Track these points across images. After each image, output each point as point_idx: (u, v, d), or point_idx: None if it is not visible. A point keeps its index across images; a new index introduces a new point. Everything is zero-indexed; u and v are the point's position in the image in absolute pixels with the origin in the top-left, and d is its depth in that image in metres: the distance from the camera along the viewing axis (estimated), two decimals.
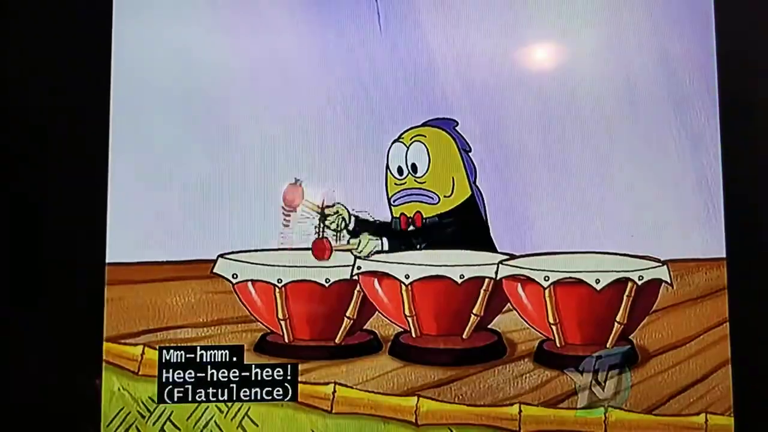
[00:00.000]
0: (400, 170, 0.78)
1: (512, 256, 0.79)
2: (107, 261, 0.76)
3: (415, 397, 0.77)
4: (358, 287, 0.78)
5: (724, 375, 0.78)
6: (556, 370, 0.78)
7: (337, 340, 0.78)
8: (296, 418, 0.76)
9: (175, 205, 0.77)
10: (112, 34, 0.78)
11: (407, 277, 0.78)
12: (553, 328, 0.78)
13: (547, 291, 0.78)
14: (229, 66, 0.78)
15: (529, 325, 0.79)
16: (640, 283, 0.79)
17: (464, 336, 0.79)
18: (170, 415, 0.76)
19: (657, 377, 0.78)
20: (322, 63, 0.78)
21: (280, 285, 0.77)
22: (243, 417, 0.76)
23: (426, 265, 0.78)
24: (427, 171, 0.79)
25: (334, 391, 0.76)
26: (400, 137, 0.79)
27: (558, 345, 0.79)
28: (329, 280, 0.77)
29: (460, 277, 0.78)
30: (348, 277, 0.78)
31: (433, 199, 0.79)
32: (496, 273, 0.78)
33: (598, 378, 0.78)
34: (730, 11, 0.81)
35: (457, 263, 0.78)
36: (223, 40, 0.78)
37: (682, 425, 0.78)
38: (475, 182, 0.78)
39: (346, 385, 0.77)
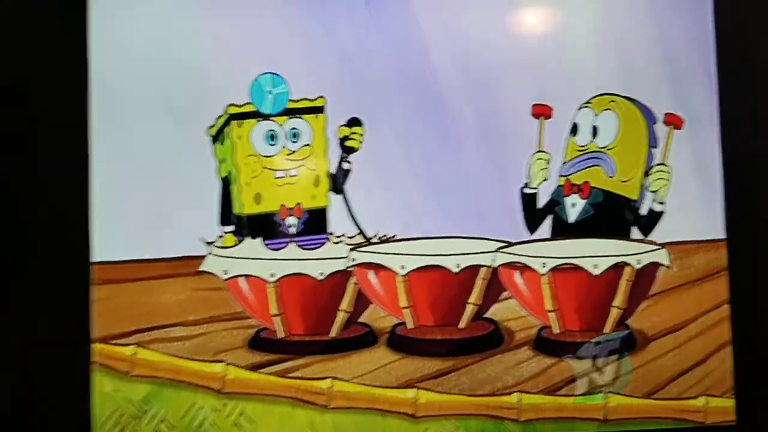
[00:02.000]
0: (576, 129, 0.76)
1: (509, 244, 0.77)
2: (93, 260, 0.74)
3: (414, 389, 0.76)
4: (352, 280, 0.76)
5: (724, 357, 0.78)
6: (555, 357, 0.77)
7: (332, 334, 0.76)
8: (293, 414, 0.75)
9: (161, 201, 0.74)
10: (88, 28, 0.74)
11: (403, 267, 0.76)
12: (551, 315, 0.77)
13: (544, 278, 0.77)
14: (214, 56, 0.75)
15: (527, 312, 0.78)
16: (638, 266, 0.77)
17: (461, 326, 0.77)
18: (165, 415, 0.74)
19: (656, 361, 0.78)
20: (308, 47, 0.76)
21: (272, 280, 0.75)
22: (239, 415, 0.75)
23: (422, 255, 0.76)
24: (613, 141, 0.77)
25: (331, 386, 0.75)
26: (588, 102, 0.77)
27: (556, 332, 0.78)
28: (323, 274, 0.76)
29: (457, 266, 0.76)
30: (342, 269, 0.76)
31: (610, 169, 0.77)
32: (493, 261, 0.77)
33: (597, 364, 0.77)
34: None
35: (453, 252, 0.76)
36: (205, 30, 0.75)
37: (681, 409, 0.78)
38: (646, 178, 0.77)
39: (343, 380, 0.75)
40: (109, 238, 0.74)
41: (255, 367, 0.75)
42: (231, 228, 0.75)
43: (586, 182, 0.77)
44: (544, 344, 0.77)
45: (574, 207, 0.78)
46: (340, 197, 0.76)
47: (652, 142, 0.78)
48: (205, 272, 0.74)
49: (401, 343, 0.76)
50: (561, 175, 0.78)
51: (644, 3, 0.78)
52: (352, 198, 0.76)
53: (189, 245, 0.74)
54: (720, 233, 0.78)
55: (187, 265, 0.74)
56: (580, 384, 0.77)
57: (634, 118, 0.78)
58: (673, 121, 0.78)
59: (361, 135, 0.75)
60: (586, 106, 0.77)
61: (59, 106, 0.75)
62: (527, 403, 0.77)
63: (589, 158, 0.77)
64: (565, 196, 0.78)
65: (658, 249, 0.78)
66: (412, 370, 0.76)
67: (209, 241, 0.75)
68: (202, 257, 0.74)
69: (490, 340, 0.77)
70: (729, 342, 0.78)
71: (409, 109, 0.76)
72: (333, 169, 0.76)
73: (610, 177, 0.78)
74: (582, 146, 0.78)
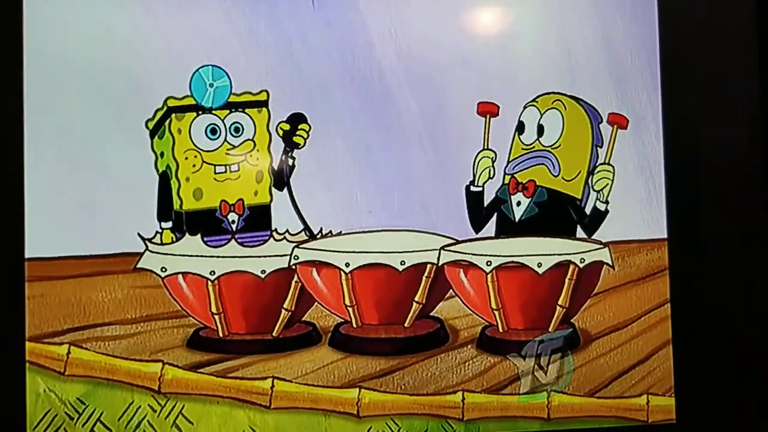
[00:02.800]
0: (522, 128, 0.76)
1: (455, 241, 0.77)
2: (27, 256, 0.71)
3: (357, 389, 0.75)
4: (295, 277, 0.75)
5: (665, 356, 0.79)
6: (499, 355, 0.77)
7: (274, 333, 0.75)
8: (233, 415, 0.73)
9: (97, 196, 0.72)
10: (22, 17, 0.72)
11: (347, 265, 0.75)
12: (496, 313, 0.77)
13: (489, 276, 0.77)
14: (153, 46, 0.73)
15: (471, 311, 0.77)
16: (581, 265, 0.78)
17: (406, 324, 0.77)
18: (100, 415, 0.72)
19: (599, 360, 0.78)
20: (251, 40, 0.74)
21: (212, 277, 0.73)
22: (177, 415, 0.73)
23: (367, 252, 0.75)
24: (558, 140, 0.77)
25: (273, 386, 0.74)
26: (534, 100, 0.76)
27: (501, 330, 0.77)
28: (265, 271, 0.74)
29: (401, 264, 0.76)
30: (285, 267, 0.75)
31: (555, 168, 0.76)
32: (438, 259, 0.76)
33: (540, 363, 0.78)
34: None
35: (398, 249, 0.76)
36: (145, 19, 0.73)
37: (624, 407, 0.78)
38: (590, 177, 0.78)
39: (284, 379, 0.74)
40: (43, 234, 0.72)
41: (194, 367, 0.73)
42: (169, 224, 0.73)
43: (532, 180, 0.77)
44: (489, 343, 0.77)
45: (519, 206, 0.77)
46: (283, 193, 0.75)
47: (597, 141, 0.78)
48: (142, 269, 0.73)
49: (345, 342, 0.76)
50: (506, 173, 0.78)
51: (590, 3, 0.79)
52: (296, 194, 0.75)
53: (126, 242, 0.72)
54: (662, 233, 0.79)
55: (124, 262, 0.72)
56: (524, 382, 0.77)
57: (579, 117, 0.78)
58: (617, 121, 0.78)
59: (307, 132, 0.74)
60: (532, 105, 0.77)
61: None
62: (471, 402, 0.76)
63: (534, 157, 0.77)
64: (511, 194, 0.77)
65: (602, 248, 0.78)
66: (356, 370, 0.75)
67: (147, 237, 0.73)
68: (140, 254, 0.73)
69: (435, 338, 0.77)
70: (670, 341, 0.79)
71: (354, 105, 0.75)
72: (276, 165, 0.75)
73: (555, 176, 0.78)
74: (528, 145, 0.78)
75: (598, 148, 0.78)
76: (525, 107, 0.77)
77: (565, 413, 0.78)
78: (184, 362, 0.73)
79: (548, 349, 0.78)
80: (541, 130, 0.77)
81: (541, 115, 0.77)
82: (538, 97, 0.77)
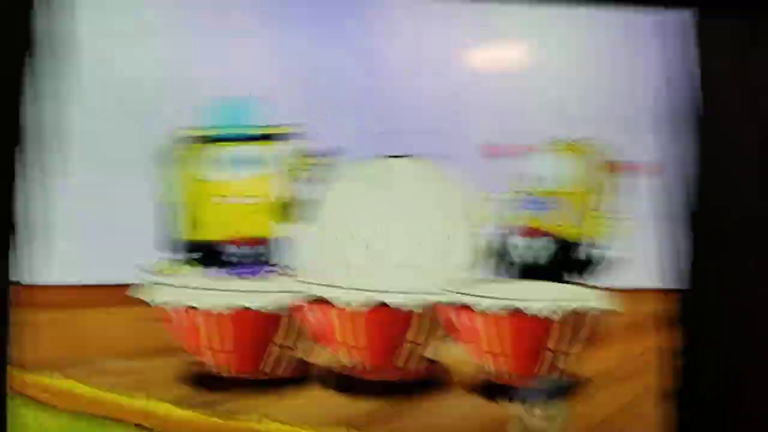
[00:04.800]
0: (523, 176, 0.77)
1: (450, 282, 0.77)
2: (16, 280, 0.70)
3: (345, 429, 0.74)
4: (292, 314, 0.75)
5: (660, 405, 0.79)
6: (492, 399, 0.77)
7: (266, 370, 0.74)
8: None
9: (97, 223, 0.72)
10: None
11: (345, 303, 0.75)
12: (490, 357, 0.77)
13: (485, 319, 0.77)
14: (166, 76, 0.73)
15: (465, 353, 0.77)
16: (580, 311, 0.78)
17: (399, 365, 0.76)
18: None
19: (593, 407, 0.78)
20: (271, 72, 0.75)
21: (210, 311, 0.73)
22: None
23: (363, 290, 0.75)
24: (560, 186, 0.78)
25: (262, 424, 0.73)
26: (543, 146, 0.78)
27: (494, 374, 0.77)
28: (264, 306, 0.74)
29: (402, 305, 0.75)
30: (283, 302, 0.74)
31: (556, 215, 0.78)
32: (434, 299, 0.76)
33: (532, 408, 0.77)
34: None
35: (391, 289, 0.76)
36: (161, 48, 0.74)
37: None
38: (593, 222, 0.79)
39: (274, 419, 0.73)
40: (37, 259, 0.71)
41: (185, 403, 0.72)
42: (171, 255, 0.73)
43: (531, 224, 0.78)
44: (482, 386, 0.77)
45: (518, 249, 0.78)
46: (285, 228, 0.75)
47: (601, 187, 0.80)
48: (138, 300, 0.72)
49: (336, 381, 0.75)
50: (507, 216, 0.79)
51: (617, 48, 0.80)
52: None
53: (123, 271, 0.72)
54: (668, 283, 0.79)
55: (120, 293, 0.72)
56: (515, 428, 0.77)
57: (583, 163, 0.79)
58: (624, 168, 0.80)
59: (319, 166, 0.75)
60: (539, 151, 0.79)
61: None
62: None
63: (531, 202, 0.79)
64: (512, 238, 0.78)
65: (602, 294, 0.79)
66: (345, 410, 0.75)
67: (146, 268, 0.72)
68: (137, 285, 0.72)
69: (429, 381, 0.77)
70: (666, 391, 0.79)
71: (373, 142, 0.76)
72: (284, 199, 0.75)
73: (555, 222, 0.79)
74: (526, 190, 0.79)
75: (603, 193, 0.79)
76: (531, 153, 0.78)
77: None
78: (175, 398, 0.72)
79: (541, 395, 0.78)
80: (541, 176, 0.79)
81: (544, 161, 0.79)
82: (548, 143, 0.79)
